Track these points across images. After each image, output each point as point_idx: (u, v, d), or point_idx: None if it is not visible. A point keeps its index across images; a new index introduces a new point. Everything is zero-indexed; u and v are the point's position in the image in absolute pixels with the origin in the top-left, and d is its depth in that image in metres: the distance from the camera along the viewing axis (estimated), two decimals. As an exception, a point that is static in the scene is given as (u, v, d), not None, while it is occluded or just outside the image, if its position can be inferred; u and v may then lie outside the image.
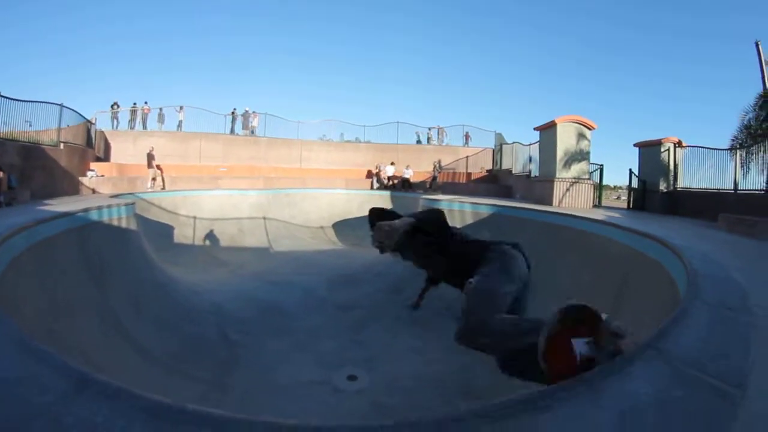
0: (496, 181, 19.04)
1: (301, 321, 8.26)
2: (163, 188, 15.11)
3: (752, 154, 8.73)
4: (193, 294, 7.36)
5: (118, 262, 5.95)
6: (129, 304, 5.72)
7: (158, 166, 15.34)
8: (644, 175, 11.32)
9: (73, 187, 11.98)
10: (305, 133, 22.35)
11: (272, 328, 7.64)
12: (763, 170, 8.59)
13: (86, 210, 5.67)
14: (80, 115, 14.18)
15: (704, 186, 10.19)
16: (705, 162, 10.34)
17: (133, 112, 19.23)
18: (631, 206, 11.71)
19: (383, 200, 18.45)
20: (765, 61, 9.69)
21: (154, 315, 5.95)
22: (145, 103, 19.67)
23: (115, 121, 18.95)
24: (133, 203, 7.79)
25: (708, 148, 10.30)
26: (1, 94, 9.48)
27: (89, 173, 13.35)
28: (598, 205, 11.55)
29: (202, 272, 9.89)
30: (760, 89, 9.29)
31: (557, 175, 10.78)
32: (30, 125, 10.91)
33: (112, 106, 19.03)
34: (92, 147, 15.35)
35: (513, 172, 17.18)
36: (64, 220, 5.00)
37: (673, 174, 10.73)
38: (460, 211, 10.46)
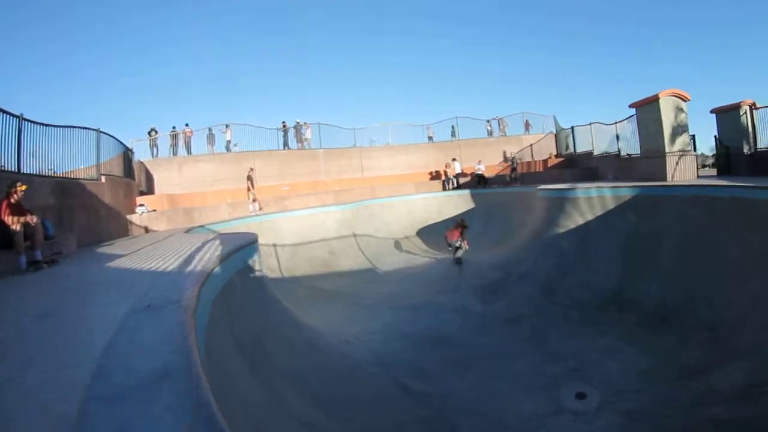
0: (574, 165, 18.50)
1: (473, 346, 7.17)
2: (261, 210, 13.86)
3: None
4: (344, 344, 6.12)
5: (265, 331, 4.49)
6: (292, 385, 4.26)
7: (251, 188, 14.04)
8: (726, 140, 11.47)
9: (121, 227, 10.15)
10: (362, 140, 21.29)
11: (449, 364, 6.26)
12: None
13: (227, 256, 4.07)
14: (119, 142, 12.08)
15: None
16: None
17: (174, 136, 17.70)
18: (718, 172, 11.88)
19: (463, 201, 17.06)
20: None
21: (325, 392, 4.60)
22: (186, 125, 18.00)
23: (154, 149, 17.33)
24: (256, 239, 6.20)
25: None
26: (25, 117, 6.95)
27: (138, 209, 11.67)
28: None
29: (324, 309, 8.47)
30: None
31: (667, 150, 10.71)
32: (53, 171, 8.26)
33: (149, 133, 17.35)
34: (134, 179, 13.48)
35: (595, 153, 16.86)
36: (206, 290, 3.36)
37: (752, 137, 10.89)
38: (600, 197, 10.35)
